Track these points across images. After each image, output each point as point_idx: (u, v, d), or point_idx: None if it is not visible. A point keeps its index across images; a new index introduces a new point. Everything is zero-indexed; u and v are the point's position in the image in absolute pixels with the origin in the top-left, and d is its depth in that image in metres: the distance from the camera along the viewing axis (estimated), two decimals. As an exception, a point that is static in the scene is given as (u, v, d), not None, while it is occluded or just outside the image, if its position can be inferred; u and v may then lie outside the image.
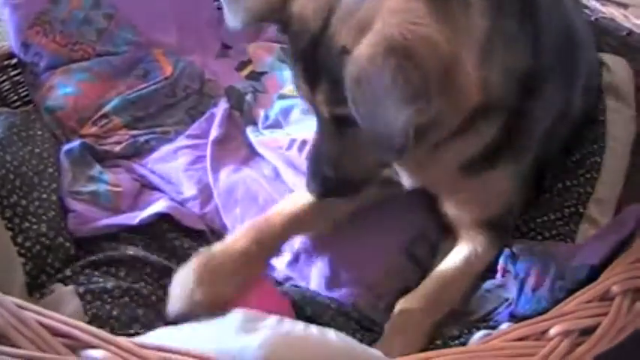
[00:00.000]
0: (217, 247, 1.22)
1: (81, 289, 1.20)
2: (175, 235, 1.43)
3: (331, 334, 1.00)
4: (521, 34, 1.13)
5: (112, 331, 1.13)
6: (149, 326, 1.17)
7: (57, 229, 1.32)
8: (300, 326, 1.00)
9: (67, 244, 1.32)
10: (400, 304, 1.22)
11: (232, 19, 1.12)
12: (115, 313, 1.18)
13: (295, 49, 1.09)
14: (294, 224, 1.32)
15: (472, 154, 1.20)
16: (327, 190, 1.19)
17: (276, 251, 1.33)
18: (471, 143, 1.18)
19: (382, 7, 0.96)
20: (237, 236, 1.25)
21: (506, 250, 1.26)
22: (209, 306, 1.12)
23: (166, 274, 1.26)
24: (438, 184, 1.31)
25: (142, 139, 1.68)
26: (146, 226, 1.42)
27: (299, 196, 1.34)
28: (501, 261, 1.25)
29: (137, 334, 1.14)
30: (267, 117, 1.76)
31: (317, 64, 1.04)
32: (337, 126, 1.10)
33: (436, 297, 1.23)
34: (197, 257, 1.18)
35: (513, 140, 1.20)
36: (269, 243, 1.27)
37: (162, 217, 1.44)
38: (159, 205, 1.45)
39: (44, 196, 1.38)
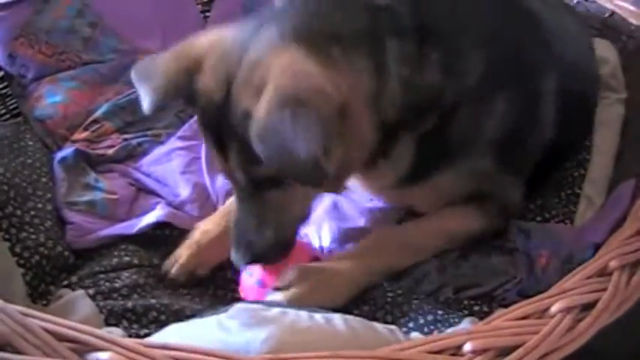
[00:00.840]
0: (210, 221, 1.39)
1: (91, 291, 1.21)
2: (174, 240, 1.42)
3: (337, 320, 1.00)
4: (426, 63, 1.17)
5: (131, 324, 1.17)
6: (165, 312, 1.20)
7: (55, 239, 1.32)
8: (304, 316, 1.01)
9: (66, 253, 1.32)
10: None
11: (144, 102, 1.17)
12: (129, 305, 1.19)
13: (203, 121, 1.16)
14: None
15: (403, 171, 1.25)
16: (254, 257, 1.20)
17: None
18: (399, 163, 1.24)
19: (273, 67, 1.03)
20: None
21: (519, 229, 1.28)
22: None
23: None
24: (398, 198, 1.38)
25: (134, 142, 1.68)
26: (144, 233, 1.42)
27: None
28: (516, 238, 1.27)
29: (157, 321, 1.18)
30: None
31: (225, 131, 1.10)
32: (255, 189, 1.14)
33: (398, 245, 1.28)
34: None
35: (448, 147, 1.24)
36: None
37: (160, 224, 1.44)
38: (155, 214, 1.45)
39: (39, 205, 1.37)
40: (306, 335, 0.97)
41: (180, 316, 1.18)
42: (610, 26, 1.75)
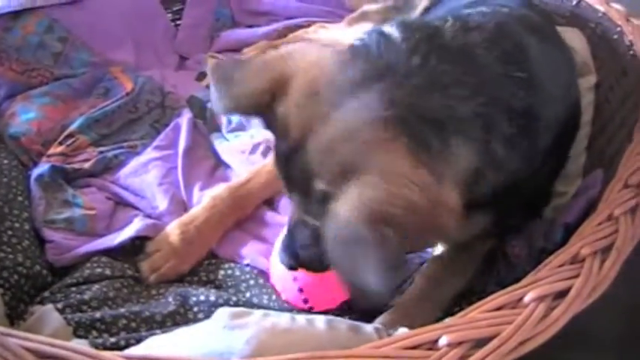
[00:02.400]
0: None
1: (59, 305, 1.20)
2: None
3: (319, 322, 1.00)
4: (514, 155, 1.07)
5: (101, 334, 1.17)
6: (135, 319, 1.20)
7: (33, 258, 1.32)
8: (286, 318, 1.01)
9: (44, 272, 1.31)
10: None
11: (217, 105, 1.11)
12: (98, 316, 1.19)
13: (277, 147, 1.07)
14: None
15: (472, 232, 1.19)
16: (298, 264, 1.20)
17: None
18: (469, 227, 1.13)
19: (369, 157, 0.92)
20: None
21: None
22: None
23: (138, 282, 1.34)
24: None
25: (109, 154, 1.67)
26: (123, 246, 1.42)
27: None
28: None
29: (127, 328, 1.18)
30: (229, 121, 1.77)
31: (291, 172, 1.03)
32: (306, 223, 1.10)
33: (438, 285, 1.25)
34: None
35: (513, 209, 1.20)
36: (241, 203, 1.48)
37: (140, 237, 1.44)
38: (134, 227, 1.44)
39: (17, 225, 1.37)
40: (287, 336, 0.97)
41: (150, 323, 1.20)
42: (577, 14, 1.76)
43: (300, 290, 1.28)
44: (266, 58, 1.10)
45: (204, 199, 1.49)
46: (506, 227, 1.26)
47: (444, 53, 1.02)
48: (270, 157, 1.42)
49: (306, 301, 1.28)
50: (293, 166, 1.02)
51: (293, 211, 1.18)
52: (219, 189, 1.50)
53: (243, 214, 1.50)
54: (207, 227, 1.44)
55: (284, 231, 1.23)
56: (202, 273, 1.38)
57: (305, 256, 1.17)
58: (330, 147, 0.95)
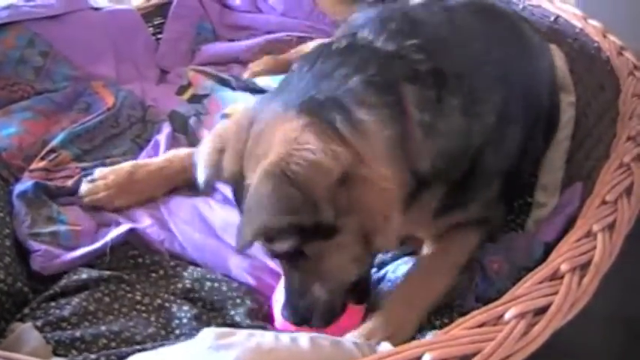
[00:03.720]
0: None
1: (39, 323, 1.19)
2: (137, 253, 1.42)
3: (303, 340, 1.01)
4: (447, 109, 1.16)
5: (81, 353, 1.15)
6: (115, 339, 1.19)
7: (14, 275, 1.30)
8: (270, 337, 1.02)
9: (26, 289, 1.30)
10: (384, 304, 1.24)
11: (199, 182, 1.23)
12: (77, 334, 1.18)
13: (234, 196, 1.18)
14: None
15: (426, 214, 1.24)
16: (304, 319, 1.20)
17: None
18: (421, 209, 1.21)
19: (274, 140, 1.04)
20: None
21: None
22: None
23: (122, 285, 1.32)
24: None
25: (90, 171, 1.65)
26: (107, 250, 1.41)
27: None
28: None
29: (106, 347, 1.17)
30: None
31: (242, 202, 1.11)
32: (288, 260, 1.15)
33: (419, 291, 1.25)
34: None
35: (474, 185, 1.24)
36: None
37: (125, 240, 1.44)
38: (123, 227, 1.44)
39: (-2, 241, 1.36)
40: (272, 355, 0.98)
41: (130, 343, 1.19)
42: (556, 30, 1.79)
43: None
44: (217, 131, 1.23)
45: (167, 154, 1.60)
46: (477, 217, 1.30)
47: (332, 53, 1.19)
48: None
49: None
50: (241, 197, 1.10)
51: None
52: (183, 150, 1.62)
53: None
54: (156, 176, 1.59)
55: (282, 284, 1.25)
56: (187, 281, 1.37)
57: (304, 312, 1.19)
58: (252, 152, 1.09)
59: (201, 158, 1.21)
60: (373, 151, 1.07)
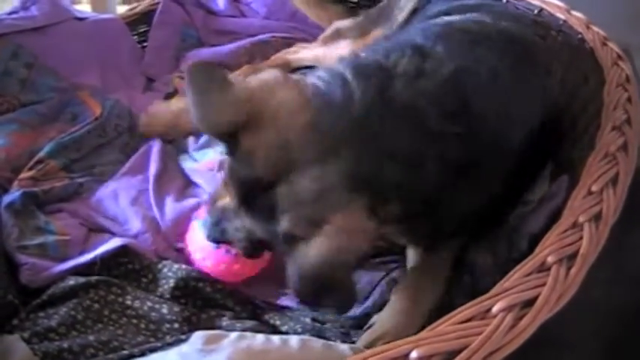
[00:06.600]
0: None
1: (26, 334, 1.18)
2: (127, 260, 1.42)
3: (293, 341, 1.02)
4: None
5: None
6: (103, 349, 1.19)
7: (4, 287, 1.29)
8: (260, 339, 1.02)
9: (16, 302, 1.29)
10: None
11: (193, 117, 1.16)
12: (65, 345, 1.17)
13: (234, 169, 1.14)
14: None
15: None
16: (224, 240, 1.29)
17: None
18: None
19: (333, 213, 1.04)
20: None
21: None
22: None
23: (112, 289, 1.33)
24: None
25: (79, 180, 1.67)
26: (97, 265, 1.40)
27: None
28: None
29: (94, 356, 1.17)
30: (196, 140, 1.81)
31: (250, 196, 1.11)
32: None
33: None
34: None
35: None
36: None
37: (116, 251, 1.42)
38: (114, 242, 1.44)
39: (-14, 254, 1.35)
40: (263, 357, 0.99)
41: (118, 352, 1.18)
42: (540, 23, 1.78)
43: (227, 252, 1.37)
44: (240, 89, 1.12)
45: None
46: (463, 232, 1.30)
47: (389, 112, 1.09)
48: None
49: (235, 262, 1.37)
50: (256, 195, 1.09)
51: (233, 201, 1.19)
52: None
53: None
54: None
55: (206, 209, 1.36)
56: (172, 281, 1.37)
57: (234, 236, 1.25)
58: (301, 199, 1.04)
59: (216, 111, 1.13)
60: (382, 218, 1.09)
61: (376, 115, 1.08)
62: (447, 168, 1.11)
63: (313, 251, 1.03)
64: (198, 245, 1.41)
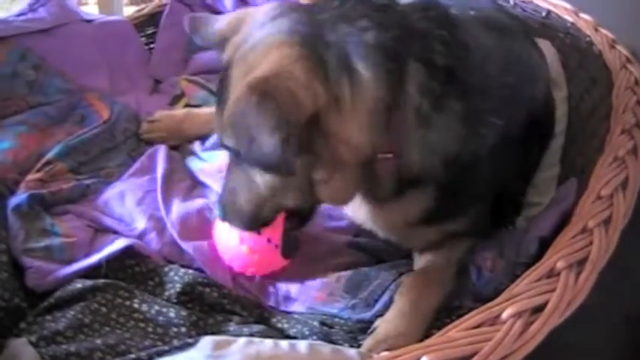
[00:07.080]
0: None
1: (33, 338, 1.18)
2: (134, 262, 1.41)
3: (301, 346, 1.02)
4: (447, 108, 1.16)
5: None
6: (110, 352, 1.18)
7: (12, 290, 1.28)
8: (269, 344, 1.02)
9: (23, 305, 1.28)
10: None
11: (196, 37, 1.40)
12: (72, 349, 1.16)
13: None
14: None
15: (415, 214, 1.27)
16: (226, 216, 1.32)
17: None
18: (410, 206, 1.26)
19: (268, 57, 1.10)
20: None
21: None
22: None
23: (119, 292, 1.32)
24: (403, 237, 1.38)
25: (86, 182, 1.66)
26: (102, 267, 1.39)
27: None
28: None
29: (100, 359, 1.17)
30: (204, 142, 1.82)
31: (223, 91, 1.19)
32: (234, 156, 1.22)
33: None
34: None
35: (460, 198, 1.26)
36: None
37: (122, 252, 1.42)
38: (119, 243, 1.43)
39: (-6, 257, 1.35)
40: (272, 362, 0.99)
41: (125, 355, 1.17)
42: (547, 25, 1.79)
43: (249, 251, 1.37)
44: (233, 15, 1.33)
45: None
46: (471, 230, 1.31)
47: (365, 2, 1.18)
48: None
49: (253, 263, 1.39)
50: (224, 83, 1.19)
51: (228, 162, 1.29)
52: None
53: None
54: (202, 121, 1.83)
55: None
56: (178, 285, 1.37)
57: (227, 209, 1.30)
58: (245, 56, 1.15)
59: (212, 31, 1.33)
60: (355, 106, 1.10)
61: None
62: (431, 74, 1.15)
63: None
64: (224, 246, 1.42)
